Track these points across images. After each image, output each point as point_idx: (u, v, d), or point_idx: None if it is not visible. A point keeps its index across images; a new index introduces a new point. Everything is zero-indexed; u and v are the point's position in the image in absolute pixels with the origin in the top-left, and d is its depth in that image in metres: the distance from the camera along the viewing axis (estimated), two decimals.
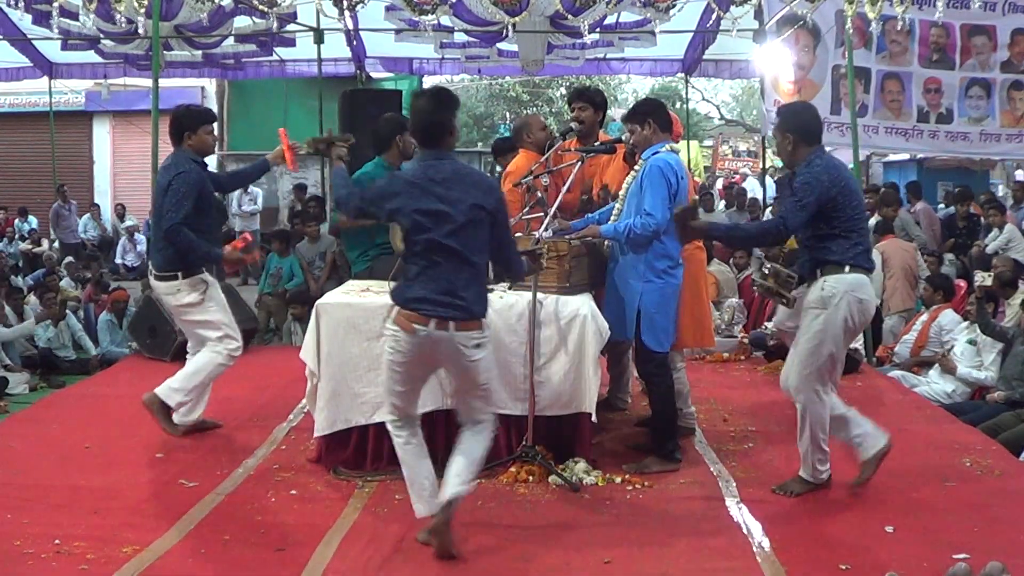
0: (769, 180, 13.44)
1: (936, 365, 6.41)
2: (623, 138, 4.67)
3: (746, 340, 7.28)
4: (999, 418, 5.43)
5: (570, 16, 8.69)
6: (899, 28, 9.26)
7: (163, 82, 8.16)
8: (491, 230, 3.42)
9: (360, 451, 4.31)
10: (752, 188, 14.44)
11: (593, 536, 3.62)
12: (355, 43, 11.01)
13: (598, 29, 9.76)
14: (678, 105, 20.11)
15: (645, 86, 25.45)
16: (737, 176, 18.18)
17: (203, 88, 15.25)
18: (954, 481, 4.24)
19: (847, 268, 3.88)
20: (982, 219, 9.84)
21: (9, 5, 9.35)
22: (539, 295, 4.18)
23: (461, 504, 3.64)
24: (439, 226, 3.31)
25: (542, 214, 4.40)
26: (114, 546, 3.42)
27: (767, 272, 4.10)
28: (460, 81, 23.74)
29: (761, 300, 7.53)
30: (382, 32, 10.24)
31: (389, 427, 3.58)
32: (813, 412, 3.96)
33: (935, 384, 6.28)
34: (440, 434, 4.23)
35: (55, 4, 8.52)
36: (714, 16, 9.01)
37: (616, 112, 17.70)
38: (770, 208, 11.69)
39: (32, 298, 8.46)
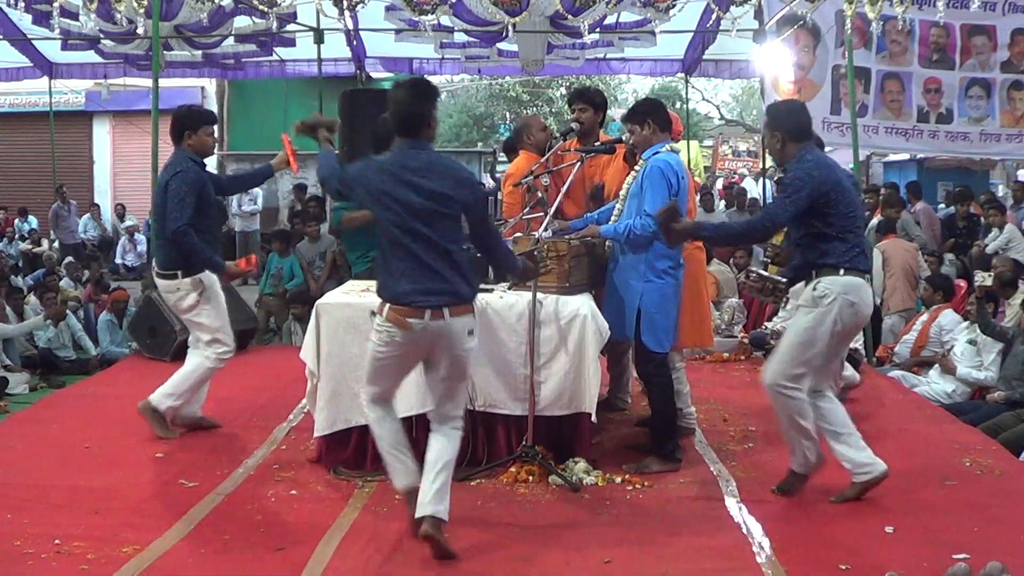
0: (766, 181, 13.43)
1: (936, 365, 6.41)
2: (623, 138, 4.67)
3: (746, 340, 7.28)
4: (999, 418, 5.43)
5: (570, 16, 8.70)
6: (899, 28, 9.27)
7: (163, 82, 8.16)
8: (471, 224, 3.45)
9: (360, 451, 4.31)
10: (750, 188, 14.43)
11: (593, 536, 3.62)
12: (355, 43, 11.01)
13: (598, 29, 9.77)
14: (678, 105, 20.10)
15: (645, 86, 25.46)
16: (736, 176, 18.18)
17: (203, 88, 15.24)
18: (954, 481, 4.24)
19: (842, 271, 3.83)
20: (982, 219, 9.83)
21: (9, 5, 9.37)
22: (539, 295, 4.18)
23: (460, 504, 3.65)
24: (411, 213, 3.32)
25: (542, 214, 4.40)
26: (114, 546, 3.42)
27: (754, 279, 4.09)
28: (460, 81, 23.75)
29: (761, 301, 7.54)
30: (382, 32, 10.25)
31: (364, 406, 3.61)
32: (786, 405, 3.89)
33: (935, 384, 6.27)
34: None
35: (55, 4, 8.53)
36: (714, 16, 9.02)
37: (616, 112, 17.69)
38: None
39: (32, 298, 8.46)
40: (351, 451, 4.30)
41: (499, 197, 5.51)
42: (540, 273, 4.05)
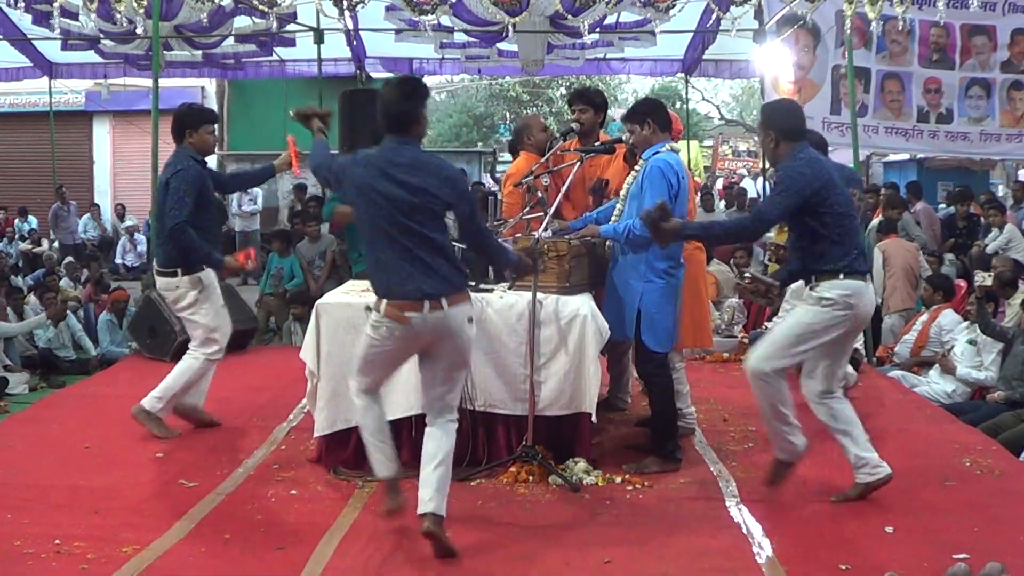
0: (766, 181, 13.43)
1: (936, 365, 6.41)
2: (623, 138, 4.67)
3: (746, 340, 7.28)
4: (999, 418, 5.43)
5: (570, 16, 8.71)
6: (899, 28, 9.27)
7: (163, 82, 8.16)
8: (459, 221, 3.46)
9: (360, 451, 4.28)
10: (749, 188, 14.44)
11: (593, 536, 3.62)
12: (355, 43, 11.01)
13: (598, 29, 9.78)
14: (678, 105, 20.09)
15: (645, 86, 25.46)
16: (736, 176, 18.18)
17: (203, 88, 15.25)
18: (954, 481, 4.24)
19: (841, 275, 3.80)
20: (982, 219, 9.83)
21: (9, 5, 9.37)
22: (539, 295, 4.18)
23: (461, 504, 3.65)
24: (396, 207, 3.33)
25: (542, 214, 4.40)
26: (114, 546, 3.42)
27: (748, 281, 4.07)
28: (460, 81, 23.75)
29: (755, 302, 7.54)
30: (382, 32, 10.25)
31: (352, 396, 3.62)
32: (767, 392, 3.87)
33: (935, 384, 6.27)
34: None
35: (55, 4, 8.53)
36: (714, 16, 9.03)
37: (616, 112, 17.69)
38: None
39: (32, 298, 8.46)
40: (351, 451, 4.30)
41: (499, 197, 5.50)
42: (540, 269, 4.05)
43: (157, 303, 6.59)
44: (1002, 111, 10.31)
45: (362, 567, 3.34)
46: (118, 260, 13.58)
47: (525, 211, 4.61)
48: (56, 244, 13.43)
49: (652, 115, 4.37)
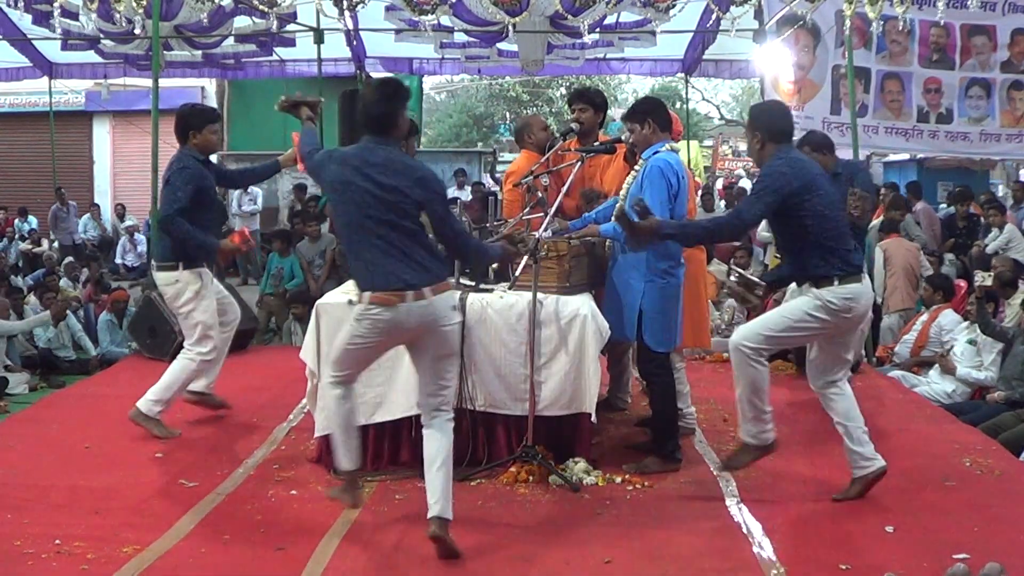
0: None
1: (936, 365, 6.41)
2: (623, 138, 4.67)
3: None
4: (999, 418, 5.43)
5: (570, 16, 8.70)
6: (899, 28, 9.27)
7: (163, 82, 8.16)
8: (432, 223, 3.48)
9: (360, 451, 4.30)
10: (749, 188, 14.43)
11: (593, 536, 3.62)
12: (355, 43, 11.01)
13: (598, 29, 9.77)
14: (678, 105, 20.10)
15: (645, 86, 25.48)
16: (734, 177, 18.19)
17: (203, 88, 15.24)
18: (954, 481, 4.24)
19: (836, 281, 3.77)
20: (982, 219, 9.83)
21: (9, 5, 9.37)
22: (539, 295, 4.18)
23: (461, 504, 3.65)
24: (373, 203, 3.35)
25: (542, 214, 4.40)
26: (114, 546, 3.42)
27: (735, 279, 4.05)
28: (460, 81, 23.77)
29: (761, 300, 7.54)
30: (382, 32, 10.25)
31: (327, 386, 3.62)
32: (746, 370, 3.83)
33: (935, 384, 6.27)
34: None
35: (55, 4, 8.53)
36: (714, 16, 9.02)
37: (616, 112, 17.70)
38: None
39: (32, 298, 8.47)
40: None
41: (499, 197, 5.50)
42: (523, 252, 4.04)
43: (157, 303, 6.59)
44: (1002, 111, 10.31)
45: (362, 567, 3.34)
46: (118, 260, 13.57)
47: (525, 211, 4.61)
48: (56, 244, 13.43)
49: (652, 114, 4.37)
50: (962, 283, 8.16)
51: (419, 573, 3.30)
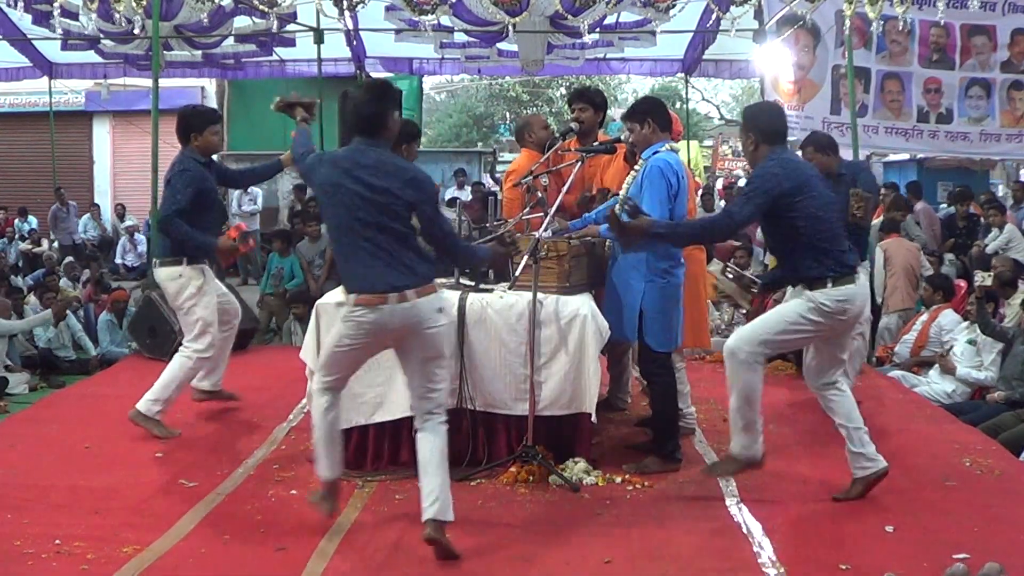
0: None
1: (936, 365, 6.41)
2: (623, 138, 4.67)
3: None
4: (999, 418, 5.43)
5: (570, 16, 8.71)
6: (899, 28, 9.28)
7: (163, 82, 8.16)
8: (421, 224, 3.48)
9: (360, 451, 4.31)
10: None
11: (593, 536, 3.62)
12: (355, 43, 11.02)
13: (598, 29, 9.78)
14: (678, 105, 20.10)
15: (645, 86, 25.49)
16: (732, 177, 18.20)
17: (203, 88, 15.25)
18: (954, 481, 4.24)
19: (829, 283, 3.74)
20: (982, 219, 9.84)
21: (9, 5, 9.38)
22: (539, 295, 4.18)
23: (460, 504, 3.65)
24: (362, 204, 3.36)
25: (542, 214, 4.40)
26: (114, 546, 3.42)
27: (730, 275, 4.03)
28: (460, 81, 23.76)
29: (761, 300, 7.54)
30: (382, 32, 10.25)
31: (314, 393, 3.63)
32: (741, 376, 3.78)
33: (935, 384, 6.28)
34: None
35: (55, 4, 8.53)
36: (714, 16, 9.03)
37: (616, 112, 17.70)
38: None
39: (32, 298, 8.47)
40: (351, 451, 4.29)
41: (499, 197, 5.50)
42: (514, 253, 4.05)
43: (157, 303, 6.59)
44: (1002, 111, 10.32)
45: (362, 568, 3.34)
46: (118, 260, 13.58)
47: (525, 211, 4.61)
48: (56, 244, 13.43)
49: (652, 114, 4.36)
50: (962, 283, 8.16)
51: (419, 573, 3.30)
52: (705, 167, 19.70)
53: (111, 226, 14.90)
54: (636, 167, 4.41)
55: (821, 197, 3.77)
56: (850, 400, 3.97)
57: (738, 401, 3.84)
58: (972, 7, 9.25)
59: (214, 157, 5.07)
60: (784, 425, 4.89)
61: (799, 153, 5.18)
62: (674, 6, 8.69)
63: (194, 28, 10.01)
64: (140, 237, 13.55)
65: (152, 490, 4.08)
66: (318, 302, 4.40)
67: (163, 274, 4.93)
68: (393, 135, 3.53)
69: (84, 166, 16.23)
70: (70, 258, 11.21)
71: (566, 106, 6.76)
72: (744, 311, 3.99)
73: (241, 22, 10.35)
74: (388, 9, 9.28)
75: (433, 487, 3.37)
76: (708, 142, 22.91)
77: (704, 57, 11.27)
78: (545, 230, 4.21)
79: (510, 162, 6.36)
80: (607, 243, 4.61)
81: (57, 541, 3.43)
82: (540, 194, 4.56)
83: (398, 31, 9.97)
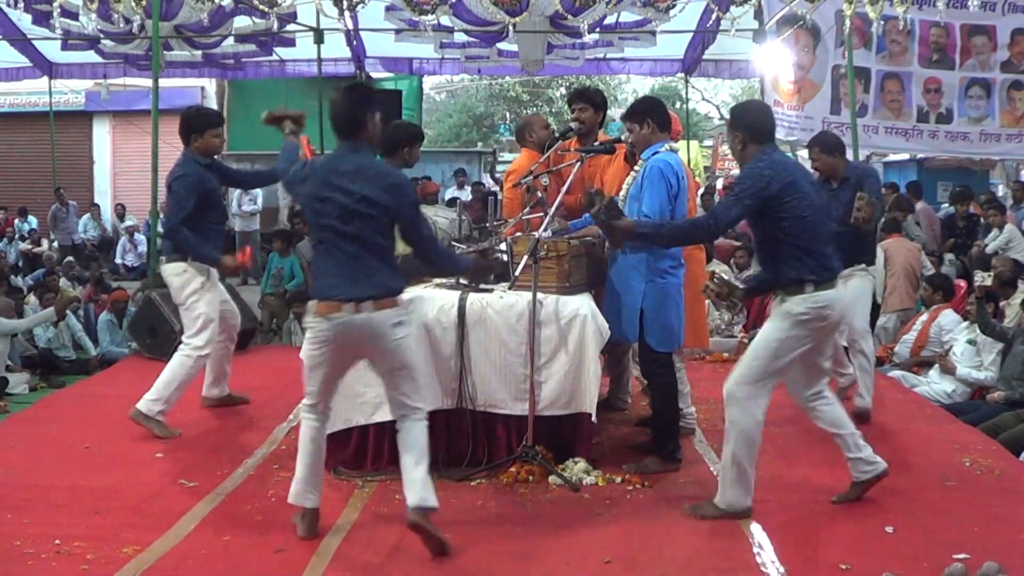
0: None
1: (936, 365, 6.41)
2: (623, 138, 4.67)
3: (746, 340, 7.27)
4: (999, 418, 5.43)
5: (570, 16, 8.72)
6: (900, 28, 9.29)
7: (163, 82, 8.17)
8: (401, 229, 3.49)
9: (360, 451, 4.31)
10: None
11: (593, 536, 3.62)
12: (355, 43, 11.02)
13: (598, 29, 9.78)
14: (678, 105, 20.11)
15: (645, 86, 25.49)
16: (732, 177, 18.18)
17: (203, 88, 15.24)
18: (954, 481, 4.24)
19: (809, 287, 3.68)
20: (982, 219, 9.84)
21: (9, 5, 9.38)
22: (539, 295, 4.18)
23: (461, 504, 3.65)
24: (335, 214, 3.37)
25: (542, 214, 4.40)
26: (114, 546, 3.42)
27: (716, 283, 4.00)
28: (460, 81, 23.76)
29: (761, 300, 7.54)
30: (382, 32, 10.26)
31: (303, 410, 3.62)
32: (739, 420, 3.72)
33: (935, 384, 6.28)
34: (440, 434, 4.25)
35: (55, 4, 8.54)
36: (714, 16, 9.04)
37: (616, 112, 17.70)
38: None
39: (32, 298, 8.47)
40: (351, 451, 4.30)
41: (499, 197, 5.51)
42: (495, 271, 4.09)
43: (157, 303, 6.60)
44: (1002, 111, 10.33)
45: (362, 567, 3.34)
46: (118, 260, 13.58)
47: (525, 211, 4.61)
48: (56, 244, 13.43)
49: (651, 114, 4.35)
50: (962, 283, 8.17)
51: (419, 573, 3.30)
52: (705, 167, 19.68)
53: (111, 226, 14.90)
54: (636, 167, 4.41)
55: (807, 198, 3.70)
56: (838, 407, 3.94)
57: (735, 446, 3.72)
58: (972, 7, 9.25)
59: (215, 157, 5.09)
60: (784, 425, 4.88)
61: (805, 153, 5.17)
62: (674, 6, 8.70)
63: (194, 28, 10.01)
64: (140, 237, 13.55)
65: (152, 490, 4.08)
66: None
67: (168, 269, 4.99)
68: (373, 137, 3.52)
69: (84, 166, 16.23)
70: (70, 258, 11.22)
71: (566, 106, 6.76)
72: (733, 313, 3.96)
73: (241, 22, 10.35)
74: (388, 9, 9.28)
75: (415, 476, 3.39)
76: (708, 142, 22.91)
77: (704, 57, 11.27)
78: (545, 230, 4.21)
79: (510, 162, 6.36)
80: (607, 243, 4.60)
81: (57, 541, 3.44)
82: (540, 194, 4.56)
83: (398, 31, 9.98)
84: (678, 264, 4.37)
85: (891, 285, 7.94)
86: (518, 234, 4.53)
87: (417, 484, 3.37)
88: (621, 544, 3.53)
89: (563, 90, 25.70)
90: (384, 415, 4.25)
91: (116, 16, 8.56)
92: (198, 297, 4.91)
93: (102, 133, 16.28)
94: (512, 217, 4.79)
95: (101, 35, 10.33)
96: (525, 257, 4.08)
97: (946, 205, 11.79)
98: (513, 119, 25.32)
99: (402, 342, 3.45)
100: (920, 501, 3.98)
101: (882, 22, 8.64)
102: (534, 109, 26.60)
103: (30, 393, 7.01)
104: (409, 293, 4.14)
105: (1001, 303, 6.83)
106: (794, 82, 10.12)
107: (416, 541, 3.41)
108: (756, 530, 3.64)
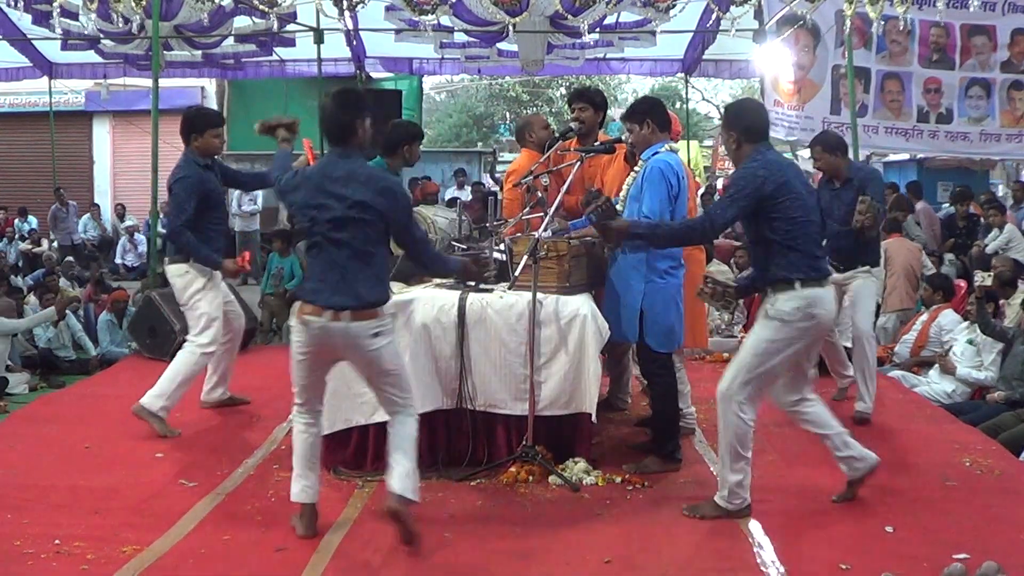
0: None
1: (936, 365, 6.41)
2: (623, 138, 4.66)
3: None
4: (999, 418, 5.43)
5: (570, 16, 8.71)
6: (900, 28, 9.29)
7: (163, 82, 8.17)
8: (394, 232, 3.52)
9: (360, 451, 4.31)
10: None
11: (593, 536, 3.62)
12: (355, 43, 11.02)
13: (598, 29, 9.78)
14: (678, 105, 20.11)
15: (645, 86, 25.49)
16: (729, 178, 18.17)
17: (203, 88, 15.24)
18: (954, 481, 4.24)
19: (797, 284, 3.67)
20: (982, 219, 9.84)
21: (9, 5, 9.38)
22: (539, 295, 4.18)
23: (461, 504, 3.65)
24: (326, 220, 3.39)
25: (542, 214, 4.40)
26: (114, 546, 3.42)
27: (710, 285, 3.99)
28: (460, 81, 23.76)
29: (761, 300, 7.54)
30: (382, 32, 10.26)
31: (294, 411, 3.64)
32: (732, 422, 3.72)
33: (935, 384, 6.27)
34: (440, 434, 4.25)
35: (55, 4, 8.53)
36: (714, 16, 9.04)
37: (616, 112, 17.71)
38: None
39: (32, 298, 8.46)
40: (351, 451, 4.30)
41: (499, 197, 5.51)
42: (484, 276, 4.16)
43: (157, 303, 6.60)
44: (1002, 111, 10.32)
45: (362, 567, 3.34)
46: (118, 260, 13.59)
47: (525, 211, 4.61)
48: (56, 244, 13.43)
49: (650, 114, 4.35)
50: (962, 283, 8.16)
51: (419, 571, 3.31)
52: (705, 167, 19.68)
53: (111, 226, 14.90)
54: (636, 168, 4.41)
55: (800, 199, 3.69)
56: (821, 407, 3.93)
57: (726, 448, 3.75)
58: (972, 7, 9.25)
59: (215, 157, 5.10)
60: (784, 426, 4.88)
61: (805, 153, 5.17)
62: (674, 6, 8.70)
63: (194, 28, 10.01)
64: (140, 237, 13.56)
65: (152, 490, 4.08)
66: None
67: (172, 270, 5.03)
68: (364, 142, 3.54)
69: (84, 166, 16.23)
70: (70, 258, 11.21)
71: (566, 106, 6.77)
72: (728, 312, 3.94)
73: (241, 22, 10.35)
74: (388, 9, 9.28)
75: (402, 469, 3.43)
76: (708, 142, 22.91)
77: (704, 57, 11.27)
78: (545, 230, 4.21)
79: (510, 162, 6.36)
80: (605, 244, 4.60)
81: (57, 541, 3.44)
82: (540, 194, 4.56)
83: (398, 31, 9.98)
84: (678, 264, 4.37)
85: (891, 285, 7.94)
86: (518, 234, 4.53)
87: (403, 475, 3.41)
88: (621, 544, 3.53)
89: (563, 90, 25.69)
90: (384, 415, 4.25)
91: (116, 16, 8.56)
92: (200, 297, 4.95)
93: (102, 133, 16.28)
94: (512, 217, 4.80)
95: (101, 35, 10.33)
96: (525, 257, 4.08)
97: (946, 205, 11.79)
98: (513, 119, 25.32)
99: (382, 351, 3.46)
100: (920, 501, 3.98)
101: (882, 22, 8.64)
102: (534, 109, 26.60)
103: (30, 393, 7.00)
104: (401, 296, 4.16)
105: (1001, 303, 6.83)
106: (794, 82, 10.12)
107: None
108: (756, 530, 3.64)
